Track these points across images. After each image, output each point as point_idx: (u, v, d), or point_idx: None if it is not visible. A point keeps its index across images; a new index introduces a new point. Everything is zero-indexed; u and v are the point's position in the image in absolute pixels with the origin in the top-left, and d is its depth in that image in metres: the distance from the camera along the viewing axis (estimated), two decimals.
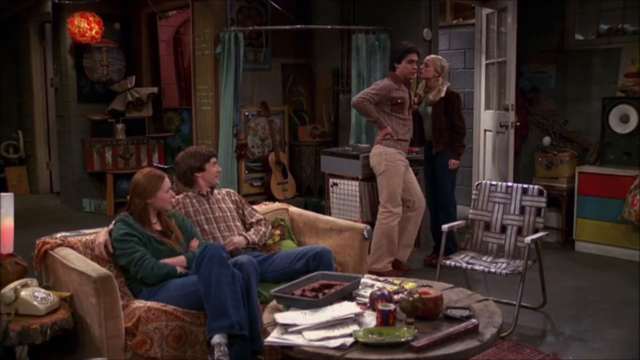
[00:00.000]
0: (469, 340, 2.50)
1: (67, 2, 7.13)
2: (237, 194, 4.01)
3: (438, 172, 5.25)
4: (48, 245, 3.26)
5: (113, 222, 3.39)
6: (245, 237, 3.71)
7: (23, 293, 2.91)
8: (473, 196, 4.36)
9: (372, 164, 5.06)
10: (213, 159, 3.82)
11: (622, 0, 5.94)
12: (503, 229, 4.22)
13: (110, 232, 3.34)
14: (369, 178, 5.31)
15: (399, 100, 4.97)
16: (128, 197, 3.48)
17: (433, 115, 5.18)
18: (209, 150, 3.86)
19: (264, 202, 4.44)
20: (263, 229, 3.85)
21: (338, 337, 2.47)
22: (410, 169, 5.20)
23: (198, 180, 3.78)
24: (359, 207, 5.29)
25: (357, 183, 5.29)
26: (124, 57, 7.98)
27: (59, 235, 3.37)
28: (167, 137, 8.02)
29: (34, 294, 2.92)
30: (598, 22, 6.18)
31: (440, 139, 5.16)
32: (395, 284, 3.12)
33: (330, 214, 5.34)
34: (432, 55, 5.32)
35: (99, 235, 3.35)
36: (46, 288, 3.11)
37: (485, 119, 6.57)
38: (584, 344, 3.77)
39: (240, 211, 3.91)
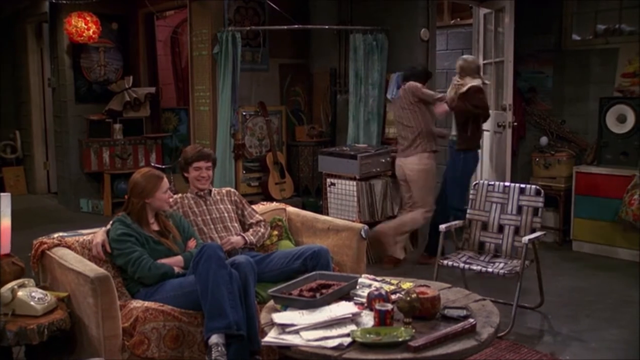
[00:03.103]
0: (467, 340, 2.50)
1: (64, 2, 7.12)
2: (237, 193, 4.00)
3: (448, 173, 5.24)
4: (45, 246, 3.26)
5: (110, 222, 3.39)
6: (243, 237, 3.70)
7: (20, 293, 2.91)
8: (471, 196, 4.36)
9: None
10: (196, 163, 3.74)
11: (619, 1, 5.95)
12: (500, 228, 4.22)
13: (107, 232, 3.34)
14: (366, 178, 5.31)
15: None
16: (126, 197, 3.48)
17: (455, 113, 5.18)
18: (202, 153, 3.79)
19: (262, 202, 4.43)
20: (262, 230, 3.85)
21: (335, 337, 2.47)
22: None
23: (188, 179, 3.80)
24: (357, 207, 5.29)
25: (354, 183, 5.29)
26: (122, 57, 7.98)
27: (56, 235, 3.37)
28: (164, 137, 8.02)
29: (31, 295, 2.92)
30: (595, 23, 6.19)
31: (460, 136, 5.15)
32: (392, 284, 3.12)
33: (327, 214, 5.34)
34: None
35: (97, 235, 3.35)
36: (43, 288, 3.10)
37: None
38: (582, 343, 3.77)
39: (240, 211, 3.91)
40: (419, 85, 5.18)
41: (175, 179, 6.97)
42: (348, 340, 2.45)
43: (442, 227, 4.14)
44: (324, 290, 2.85)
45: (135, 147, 7.78)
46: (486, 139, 6.48)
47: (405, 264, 5.33)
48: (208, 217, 3.74)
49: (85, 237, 3.40)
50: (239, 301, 3.03)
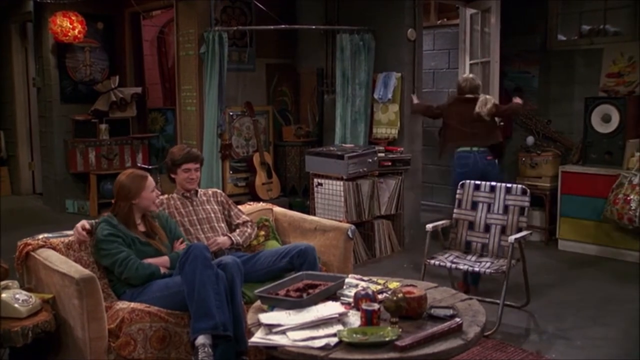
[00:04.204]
0: (453, 339, 2.50)
1: (49, 1, 7.06)
2: (223, 194, 3.99)
3: None
4: (30, 247, 3.23)
5: (95, 220, 3.36)
6: (230, 238, 3.70)
7: (4, 295, 2.88)
8: (457, 196, 4.37)
9: None
10: (186, 165, 3.72)
11: (604, 2, 6.00)
12: (487, 228, 4.24)
13: (92, 225, 3.31)
14: (353, 178, 5.32)
15: None
16: (113, 201, 3.44)
17: None
18: (190, 154, 3.76)
19: (249, 203, 4.42)
20: (249, 230, 3.84)
21: (322, 337, 2.47)
22: None
23: (175, 179, 3.78)
24: (344, 207, 5.30)
25: (341, 183, 5.29)
26: (107, 57, 7.93)
27: (41, 236, 3.34)
28: (151, 137, 7.97)
29: (15, 296, 2.90)
30: (580, 23, 6.24)
31: None
32: (379, 284, 3.12)
33: (314, 214, 5.34)
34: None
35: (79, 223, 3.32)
36: (28, 290, 3.08)
37: None
38: (567, 342, 3.79)
39: (227, 212, 3.90)
40: None
41: (162, 179, 6.93)
42: (335, 340, 2.45)
43: (429, 226, 4.15)
44: (310, 291, 2.85)
45: (122, 147, 7.74)
46: None
47: (393, 263, 5.34)
48: (195, 217, 3.73)
49: (70, 238, 3.37)
50: (225, 302, 3.02)
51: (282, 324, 2.57)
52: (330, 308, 2.70)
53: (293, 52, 7.05)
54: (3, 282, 2.98)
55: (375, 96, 5.95)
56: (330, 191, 5.41)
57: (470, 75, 5.41)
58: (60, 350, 3.06)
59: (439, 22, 7.74)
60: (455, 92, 5.42)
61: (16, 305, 2.86)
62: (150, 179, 3.42)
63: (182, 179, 3.74)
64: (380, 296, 2.84)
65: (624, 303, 4.40)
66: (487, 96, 5.20)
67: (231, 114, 6.41)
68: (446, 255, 4.18)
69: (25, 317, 2.85)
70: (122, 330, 2.90)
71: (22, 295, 2.93)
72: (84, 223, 3.31)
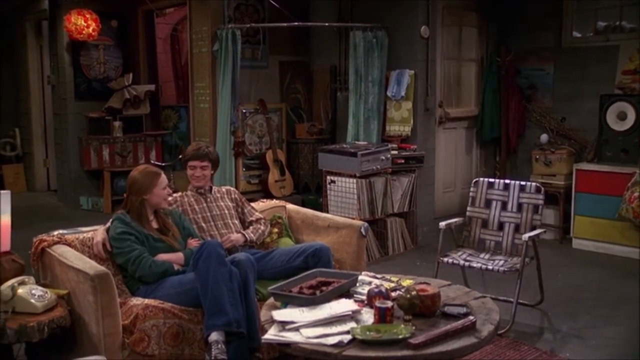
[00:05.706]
0: (467, 337, 2.50)
1: None
2: (237, 192, 4.00)
3: None
4: (45, 243, 3.26)
5: (110, 220, 3.39)
6: (243, 235, 3.70)
7: (20, 291, 2.91)
8: (471, 193, 4.35)
9: None
10: (192, 162, 3.73)
11: None
12: (501, 226, 4.21)
13: (107, 231, 3.34)
14: (366, 175, 5.31)
15: None
16: (125, 195, 3.47)
17: None
18: (198, 152, 3.75)
19: (262, 200, 4.43)
20: (262, 227, 3.85)
21: (335, 335, 2.47)
22: None
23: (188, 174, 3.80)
24: (357, 204, 5.29)
25: (354, 180, 5.29)
26: (121, 54, 7.97)
27: (56, 232, 3.37)
28: (164, 134, 8.01)
29: (31, 292, 2.92)
30: (596, 20, 6.19)
31: None
32: (392, 281, 3.12)
33: (327, 212, 5.34)
34: None
35: (97, 234, 3.34)
36: (43, 286, 3.10)
37: None
38: (581, 340, 3.77)
39: (240, 209, 3.91)
40: None
41: (176, 176, 6.97)
42: (348, 337, 2.45)
43: (442, 224, 4.14)
44: (324, 288, 2.85)
45: (135, 144, 7.78)
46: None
47: (406, 261, 5.33)
48: (208, 214, 3.74)
49: (85, 234, 3.40)
50: (239, 298, 3.03)
51: (295, 321, 2.57)
52: (344, 305, 2.70)
53: (306, 50, 7.05)
54: (19, 278, 3.01)
55: (389, 94, 5.94)
56: (343, 189, 5.41)
57: None
58: (75, 345, 3.08)
59: None
60: None
61: (32, 300, 2.89)
62: (163, 176, 3.45)
63: (189, 175, 3.79)
64: (393, 294, 2.84)
65: (638, 302, 4.36)
66: None
67: (244, 111, 6.42)
68: (459, 254, 4.17)
69: (41, 313, 2.88)
70: (136, 326, 2.92)
71: (37, 290, 2.95)
72: (105, 240, 3.31)
